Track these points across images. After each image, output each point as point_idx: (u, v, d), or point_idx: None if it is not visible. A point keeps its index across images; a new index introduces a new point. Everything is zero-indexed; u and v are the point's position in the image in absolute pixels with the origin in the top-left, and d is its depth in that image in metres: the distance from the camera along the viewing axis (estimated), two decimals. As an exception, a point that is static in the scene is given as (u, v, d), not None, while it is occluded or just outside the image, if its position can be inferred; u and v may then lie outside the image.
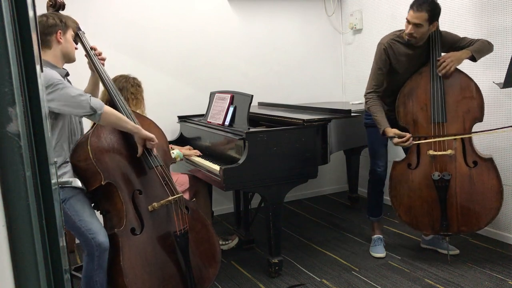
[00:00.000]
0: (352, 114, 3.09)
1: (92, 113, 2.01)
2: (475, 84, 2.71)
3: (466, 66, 2.90)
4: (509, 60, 2.41)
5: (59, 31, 2.11)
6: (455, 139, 2.72)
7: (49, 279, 0.84)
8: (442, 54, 2.78)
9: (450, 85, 2.73)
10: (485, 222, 2.74)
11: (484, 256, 2.91)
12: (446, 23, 3.26)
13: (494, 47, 2.77)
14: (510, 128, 2.65)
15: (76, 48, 2.22)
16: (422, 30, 2.64)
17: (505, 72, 2.45)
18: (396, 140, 2.67)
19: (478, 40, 2.74)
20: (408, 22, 2.64)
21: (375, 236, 3.09)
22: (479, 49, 2.69)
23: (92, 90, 2.38)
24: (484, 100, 2.73)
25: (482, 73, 3.05)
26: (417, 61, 2.80)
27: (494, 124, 3.03)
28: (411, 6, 2.62)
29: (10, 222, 0.75)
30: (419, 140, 2.75)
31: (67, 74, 2.19)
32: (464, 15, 3.16)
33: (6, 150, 0.73)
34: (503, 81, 2.50)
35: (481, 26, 3.05)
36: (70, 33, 2.16)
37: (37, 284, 0.78)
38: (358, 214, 3.87)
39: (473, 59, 2.71)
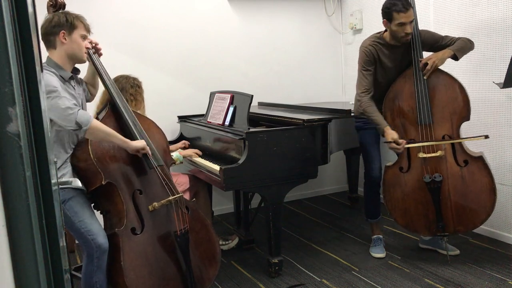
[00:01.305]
0: (352, 114, 3.09)
1: (77, 128, 2.00)
2: (459, 83, 2.71)
3: (465, 66, 2.91)
4: (509, 60, 2.41)
5: (63, 31, 2.07)
6: (450, 143, 2.72)
7: (49, 279, 0.84)
8: (424, 53, 2.79)
9: (434, 86, 2.74)
10: (480, 220, 2.74)
11: (484, 256, 2.91)
12: (446, 24, 3.26)
13: (492, 47, 2.78)
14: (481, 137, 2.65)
15: (87, 48, 2.18)
16: (413, 24, 2.71)
17: (505, 72, 2.45)
18: (392, 145, 2.67)
19: (459, 38, 2.75)
20: (403, 23, 2.64)
21: (375, 236, 3.08)
22: (460, 47, 2.71)
23: (91, 79, 2.37)
24: (483, 101, 2.73)
25: (482, 73, 3.05)
26: (399, 62, 2.82)
27: (493, 124, 3.03)
28: (399, 10, 2.62)
29: (10, 222, 0.75)
30: (410, 143, 2.74)
31: (71, 78, 2.16)
32: (464, 16, 3.16)
33: (6, 150, 0.73)
34: (503, 81, 2.50)
35: (481, 26, 3.04)
36: (77, 33, 2.11)
37: (37, 284, 0.78)
38: (358, 214, 3.86)
39: (455, 58, 2.72)
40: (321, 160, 2.83)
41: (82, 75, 2.38)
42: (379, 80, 2.86)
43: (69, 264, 2.69)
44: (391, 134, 2.70)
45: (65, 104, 1.97)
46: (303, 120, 2.76)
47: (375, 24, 3.99)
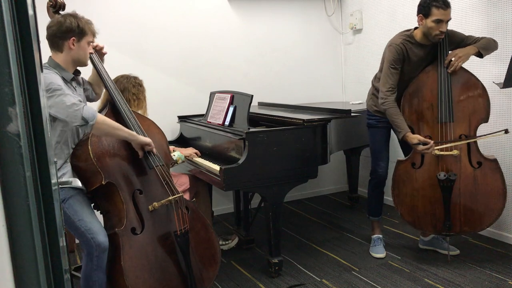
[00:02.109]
0: (352, 114, 3.08)
1: (84, 124, 2.00)
2: (482, 84, 2.71)
3: (465, 66, 2.90)
4: (509, 60, 2.41)
5: (73, 38, 2.07)
6: (467, 143, 2.70)
7: (49, 279, 0.84)
8: (449, 52, 2.79)
9: (456, 84, 2.72)
10: (487, 222, 2.75)
11: (484, 256, 2.91)
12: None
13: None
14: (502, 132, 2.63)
15: (91, 53, 2.20)
16: (447, 25, 2.67)
17: (505, 72, 2.45)
18: (421, 147, 2.64)
19: (483, 38, 2.74)
20: (440, 21, 2.59)
21: (375, 236, 3.09)
22: (485, 46, 2.70)
23: (97, 79, 2.37)
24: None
25: (482, 73, 3.05)
26: (425, 61, 2.80)
27: (494, 124, 3.03)
28: (439, 6, 2.57)
29: (10, 222, 0.75)
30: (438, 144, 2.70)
31: (73, 79, 2.17)
32: (465, 15, 3.16)
33: (6, 150, 0.73)
34: (503, 81, 2.50)
35: (482, 26, 3.04)
36: (86, 40, 2.12)
37: (37, 284, 0.78)
38: (358, 214, 3.87)
39: (480, 55, 2.71)
40: (321, 160, 2.83)
41: (86, 75, 2.40)
42: (404, 78, 2.81)
43: (69, 264, 2.69)
44: (415, 136, 2.67)
45: (70, 101, 1.98)
46: (303, 120, 2.76)
47: (375, 24, 4.00)
